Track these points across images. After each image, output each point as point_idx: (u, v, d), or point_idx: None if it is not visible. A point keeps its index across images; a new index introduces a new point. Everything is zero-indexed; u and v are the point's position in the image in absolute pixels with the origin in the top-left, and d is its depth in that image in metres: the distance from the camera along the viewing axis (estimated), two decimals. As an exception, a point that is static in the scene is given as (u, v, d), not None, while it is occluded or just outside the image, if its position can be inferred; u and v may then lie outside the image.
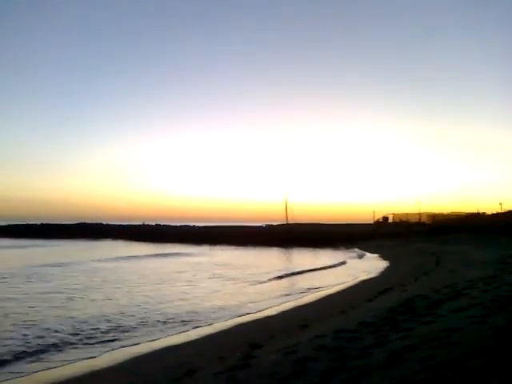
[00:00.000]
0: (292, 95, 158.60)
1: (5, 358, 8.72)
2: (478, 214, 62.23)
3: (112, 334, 10.63)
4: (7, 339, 10.00)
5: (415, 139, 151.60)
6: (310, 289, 18.06)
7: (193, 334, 10.63)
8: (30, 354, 8.99)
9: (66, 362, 8.49)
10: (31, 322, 11.65)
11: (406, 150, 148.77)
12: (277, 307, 13.88)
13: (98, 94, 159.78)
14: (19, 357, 8.83)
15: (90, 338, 10.32)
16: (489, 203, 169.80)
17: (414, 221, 63.49)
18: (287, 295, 16.66)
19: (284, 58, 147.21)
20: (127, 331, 10.94)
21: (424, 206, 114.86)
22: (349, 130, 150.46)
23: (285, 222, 75.12)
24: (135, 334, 10.66)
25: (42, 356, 8.93)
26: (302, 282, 21.06)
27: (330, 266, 28.65)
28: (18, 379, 7.58)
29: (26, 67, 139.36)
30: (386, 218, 67.21)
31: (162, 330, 11.13)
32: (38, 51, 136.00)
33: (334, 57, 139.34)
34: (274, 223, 77.44)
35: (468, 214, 63.38)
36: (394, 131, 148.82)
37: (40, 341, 9.93)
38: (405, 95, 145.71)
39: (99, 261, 30.48)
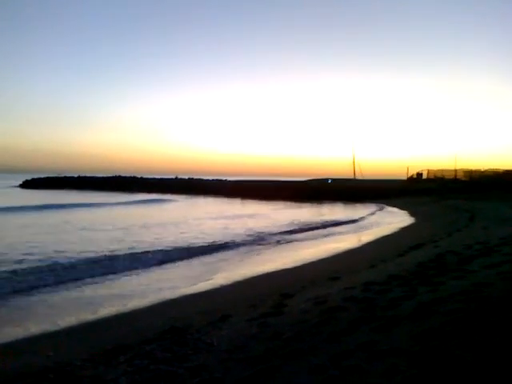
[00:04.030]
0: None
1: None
2: (516, 171, 60.06)
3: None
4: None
5: (453, 94, 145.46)
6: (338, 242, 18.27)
7: (223, 282, 10.98)
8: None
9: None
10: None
11: (444, 105, 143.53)
12: (307, 259, 14.09)
13: (132, 50, 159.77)
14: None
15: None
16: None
17: (449, 177, 61.88)
18: (316, 248, 16.91)
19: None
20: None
21: (461, 162, 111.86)
22: (386, 84, 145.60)
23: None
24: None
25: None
26: (330, 236, 21.27)
27: (359, 220, 28.61)
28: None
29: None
30: (419, 175, 65.66)
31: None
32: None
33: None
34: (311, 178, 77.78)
35: (506, 171, 61.21)
36: (432, 85, 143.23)
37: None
38: (441, 47, 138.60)
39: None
